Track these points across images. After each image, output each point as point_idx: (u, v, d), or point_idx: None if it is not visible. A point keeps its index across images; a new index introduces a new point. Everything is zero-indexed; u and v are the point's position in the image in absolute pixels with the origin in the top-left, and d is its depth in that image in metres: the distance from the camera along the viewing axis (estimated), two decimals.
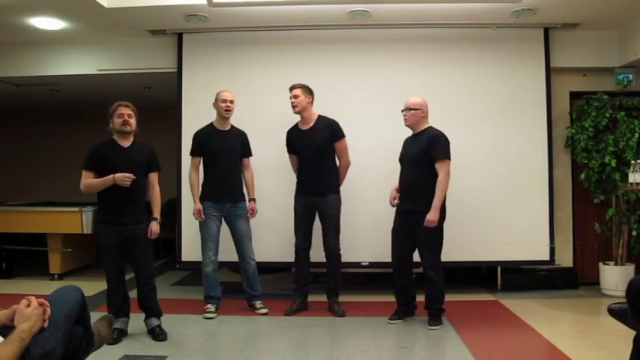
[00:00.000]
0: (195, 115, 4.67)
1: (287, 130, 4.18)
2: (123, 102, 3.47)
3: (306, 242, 4.10)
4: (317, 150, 4.02)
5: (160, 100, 6.27)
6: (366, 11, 4.38)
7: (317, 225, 4.12)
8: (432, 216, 3.56)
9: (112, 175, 3.30)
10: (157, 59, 5.03)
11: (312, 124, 4.08)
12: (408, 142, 3.87)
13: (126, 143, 3.46)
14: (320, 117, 4.11)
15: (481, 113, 4.71)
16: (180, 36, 4.83)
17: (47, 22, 4.53)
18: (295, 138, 4.12)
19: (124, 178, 3.28)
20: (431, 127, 3.78)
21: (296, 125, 4.16)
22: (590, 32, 4.80)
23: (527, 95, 4.72)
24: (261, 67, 4.76)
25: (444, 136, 3.69)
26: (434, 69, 4.74)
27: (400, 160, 3.87)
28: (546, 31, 4.73)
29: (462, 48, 4.74)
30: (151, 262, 3.55)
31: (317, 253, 4.15)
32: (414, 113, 3.73)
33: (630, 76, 4.72)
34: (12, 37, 4.88)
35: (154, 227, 3.51)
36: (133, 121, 3.44)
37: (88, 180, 3.40)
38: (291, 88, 4.04)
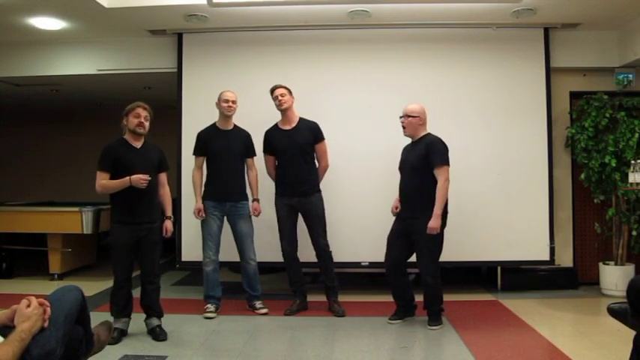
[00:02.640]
0: (195, 115, 4.67)
1: (265, 131, 4.17)
2: (142, 103, 3.48)
3: (293, 245, 4.12)
4: (301, 150, 4.04)
5: (160, 100, 6.26)
6: (366, 11, 4.38)
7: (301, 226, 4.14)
8: (433, 223, 3.54)
9: (128, 177, 3.31)
10: (157, 59, 5.04)
11: (294, 125, 4.10)
12: (407, 150, 3.86)
13: (138, 144, 3.49)
14: (301, 118, 4.14)
15: (481, 113, 4.71)
16: (180, 36, 4.83)
17: (47, 22, 4.53)
18: (277, 137, 4.11)
19: (140, 179, 3.29)
20: (429, 134, 3.78)
21: (275, 125, 4.17)
22: (590, 32, 4.80)
23: (527, 95, 4.72)
24: (261, 67, 4.76)
25: (442, 142, 3.68)
26: (434, 69, 4.74)
27: (400, 168, 3.86)
28: (546, 31, 4.73)
29: (462, 48, 4.74)
30: (158, 261, 3.56)
31: (309, 254, 4.15)
32: (411, 121, 3.71)
33: (630, 76, 4.72)
34: (12, 37, 4.88)
35: (169, 226, 3.57)
36: (147, 124, 3.47)
37: (104, 181, 3.39)
38: (276, 88, 4.07)
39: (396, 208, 3.85)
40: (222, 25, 4.66)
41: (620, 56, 4.78)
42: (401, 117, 3.77)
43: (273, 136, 4.14)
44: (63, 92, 6.27)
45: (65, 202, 6.13)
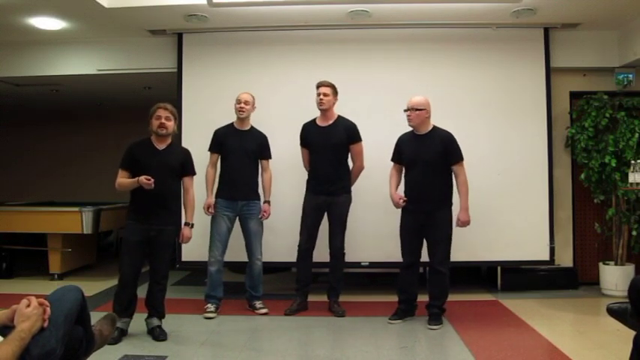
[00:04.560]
0: (196, 115, 4.68)
1: (303, 124, 4.19)
2: (162, 104, 3.50)
3: (310, 242, 4.10)
4: (332, 148, 4.03)
5: (160, 100, 6.27)
6: (366, 11, 4.38)
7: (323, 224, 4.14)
8: (465, 217, 3.71)
9: (136, 178, 3.33)
10: (157, 59, 5.04)
11: (330, 122, 4.09)
12: (411, 143, 3.83)
13: (161, 145, 3.50)
14: (340, 117, 4.13)
15: (481, 113, 4.71)
16: (180, 36, 4.84)
17: (47, 22, 4.53)
18: (311, 133, 4.11)
19: (145, 181, 3.29)
20: (437, 128, 3.79)
21: (313, 120, 4.16)
22: (590, 32, 4.81)
23: (527, 95, 4.73)
24: (261, 67, 4.76)
25: (455, 137, 3.76)
26: (434, 69, 4.74)
27: (407, 161, 3.84)
28: (546, 31, 4.74)
29: (462, 48, 4.74)
30: (167, 263, 3.56)
31: (318, 253, 4.15)
32: (418, 114, 3.72)
33: (630, 76, 4.72)
34: (12, 37, 4.88)
35: (187, 232, 3.56)
36: (170, 124, 3.47)
37: (120, 179, 3.46)
38: (321, 85, 4.04)
39: (401, 199, 3.81)
40: (222, 25, 4.66)
41: (620, 56, 4.78)
42: (406, 110, 3.77)
43: (309, 130, 4.14)
44: (63, 92, 6.26)
45: (65, 202, 6.13)
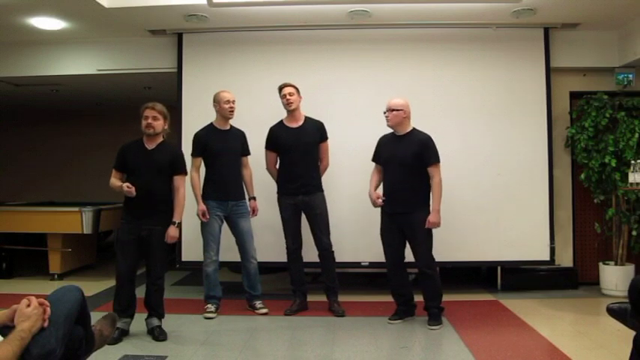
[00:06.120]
0: (196, 115, 4.68)
1: (270, 127, 4.17)
2: (150, 104, 3.50)
3: (297, 243, 4.12)
4: (306, 148, 4.04)
5: (160, 100, 6.25)
6: (366, 11, 4.38)
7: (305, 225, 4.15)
8: (434, 218, 3.65)
9: (121, 184, 3.39)
10: (157, 59, 5.05)
11: (300, 123, 4.11)
12: (389, 144, 3.85)
13: (151, 145, 3.50)
14: (307, 117, 4.15)
15: (481, 113, 4.71)
16: (180, 36, 4.84)
17: (47, 22, 4.53)
18: (283, 135, 4.11)
19: (125, 188, 3.34)
20: (416, 130, 3.80)
21: (281, 122, 4.16)
22: (590, 32, 4.81)
23: (527, 95, 4.73)
24: (261, 67, 4.77)
25: (432, 139, 3.74)
26: (434, 69, 4.74)
27: (383, 162, 3.86)
28: (546, 31, 4.74)
29: (462, 48, 4.74)
30: (162, 263, 3.55)
31: (310, 253, 4.16)
32: (396, 114, 3.73)
33: (630, 76, 4.72)
34: (12, 37, 4.88)
35: (172, 232, 3.51)
36: (157, 123, 3.46)
37: (112, 179, 3.53)
38: (284, 86, 4.06)
39: (378, 197, 3.83)
40: (222, 25, 4.66)
41: (620, 56, 4.78)
42: (385, 112, 3.78)
43: (278, 133, 4.13)
44: (63, 92, 6.26)
45: (65, 202, 6.14)
